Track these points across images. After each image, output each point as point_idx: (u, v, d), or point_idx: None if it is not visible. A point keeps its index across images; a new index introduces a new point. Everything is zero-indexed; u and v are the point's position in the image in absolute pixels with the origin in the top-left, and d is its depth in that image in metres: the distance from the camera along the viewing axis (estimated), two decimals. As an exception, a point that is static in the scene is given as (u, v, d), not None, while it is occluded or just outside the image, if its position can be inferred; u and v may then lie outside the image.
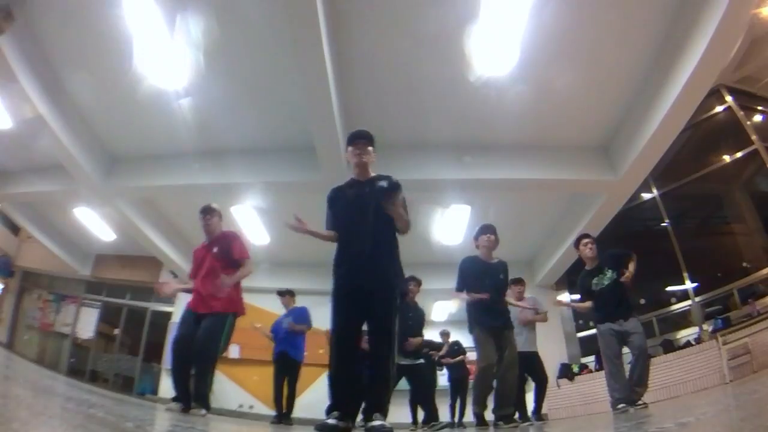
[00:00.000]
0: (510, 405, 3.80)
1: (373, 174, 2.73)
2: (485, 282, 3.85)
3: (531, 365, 4.84)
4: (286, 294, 5.85)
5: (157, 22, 4.34)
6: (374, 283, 2.42)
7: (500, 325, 3.84)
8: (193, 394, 3.38)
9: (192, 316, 3.50)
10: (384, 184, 2.61)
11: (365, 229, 2.50)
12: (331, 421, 2.20)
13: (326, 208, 2.74)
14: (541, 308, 5.10)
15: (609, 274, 4.08)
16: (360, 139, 2.68)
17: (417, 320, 4.80)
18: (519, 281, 5.01)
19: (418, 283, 4.91)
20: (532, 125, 5.67)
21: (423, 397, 5.13)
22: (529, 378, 5.03)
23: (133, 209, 7.47)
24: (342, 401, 2.31)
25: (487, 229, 4.04)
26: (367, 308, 2.43)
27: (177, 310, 8.71)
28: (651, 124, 4.90)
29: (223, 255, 3.59)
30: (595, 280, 4.13)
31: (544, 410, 5.41)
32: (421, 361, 4.89)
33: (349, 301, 2.45)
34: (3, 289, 10.13)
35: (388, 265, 2.50)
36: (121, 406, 2.46)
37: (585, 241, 4.30)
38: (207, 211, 3.71)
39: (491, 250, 4.00)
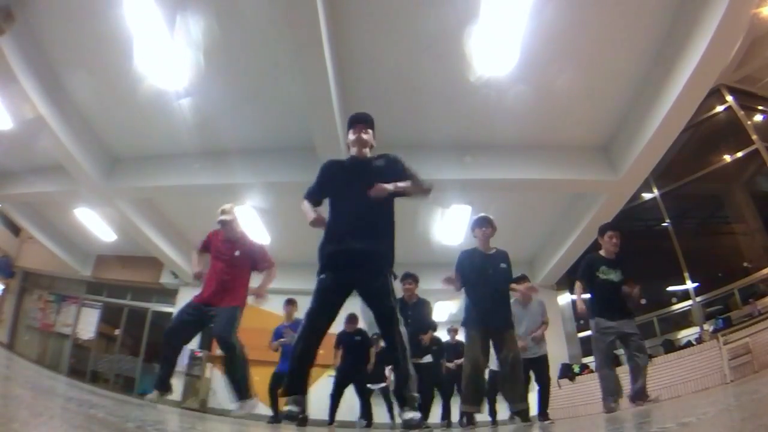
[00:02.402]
0: (524, 400, 3.73)
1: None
2: (488, 273, 3.81)
3: (538, 367, 4.82)
4: (295, 303, 5.62)
5: (157, 22, 4.34)
6: (364, 272, 2.40)
7: (500, 326, 3.72)
8: (234, 385, 3.60)
9: (197, 311, 3.47)
10: (381, 163, 2.62)
11: (359, 209, 2.46)
12: (291, 408, 2.32)
13: (317, 176, 2.71)
14: (546, 315, 5.09)
15: (619, 273, 4.05)
16: (359, 123, 2.69)
17: (417, 317, 4.63)
18: (524, 278, 4.98)
19: (415, 279, 4.78)
20: (533, 125, 5.67)
21: (421, 396, 5.01)
22: (532, 380, 5.00)
23: (134, 209, 7.48)
24: (298, 383, 2.41)
25: (481, 222, 3.98)
26: (345, 296, 2.45)
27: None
28: (651, 124, 4.90)
29: (247, 262, 3.69)
30: (603, 268, 4.06)
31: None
32: (429, 359, 4.81)
33: (333, 287, 2.43)
34: (4, 289, 10.13)
35: (377, 250, 2.44)
36: (122, 406, 2.46)
37: (611, 233, 4.15)
38: (224, 224, 3.66)
39: (488, 241, 3.96)
